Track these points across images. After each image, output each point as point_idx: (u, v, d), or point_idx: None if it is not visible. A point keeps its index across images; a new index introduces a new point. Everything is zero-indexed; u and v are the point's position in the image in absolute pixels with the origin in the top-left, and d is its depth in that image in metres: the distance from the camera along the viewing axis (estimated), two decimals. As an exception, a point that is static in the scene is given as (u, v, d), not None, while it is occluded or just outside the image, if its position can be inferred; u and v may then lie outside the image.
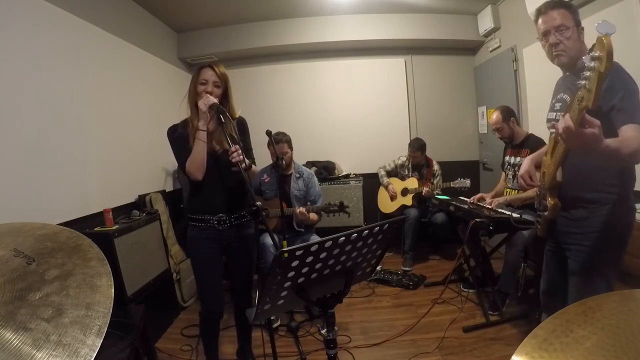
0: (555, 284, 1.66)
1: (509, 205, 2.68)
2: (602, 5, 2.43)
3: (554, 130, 1.31)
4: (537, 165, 1.62)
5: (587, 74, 1.03)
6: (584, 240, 1.43)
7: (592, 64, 1.01)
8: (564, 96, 1.50)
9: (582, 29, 1.42)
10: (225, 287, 1.94)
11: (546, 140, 1.67)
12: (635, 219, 1.97)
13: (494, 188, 3.01)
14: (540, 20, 1.47)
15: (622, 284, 2.06)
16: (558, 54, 1.41)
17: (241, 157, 1.57)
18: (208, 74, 1.70)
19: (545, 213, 1.52)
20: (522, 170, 1.59)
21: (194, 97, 1.71)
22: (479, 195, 2.87)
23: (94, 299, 0.74)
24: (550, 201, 1.48)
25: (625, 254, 1.96)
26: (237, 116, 1.83)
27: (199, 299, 1.90)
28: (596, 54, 0.99)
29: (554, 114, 1.53)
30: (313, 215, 2.74)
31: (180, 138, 1.72)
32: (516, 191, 2.76)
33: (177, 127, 1.77)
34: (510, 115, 2.74)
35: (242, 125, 1.87)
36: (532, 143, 2.66)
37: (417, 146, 3.66)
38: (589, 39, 1.39)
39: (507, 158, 2.88)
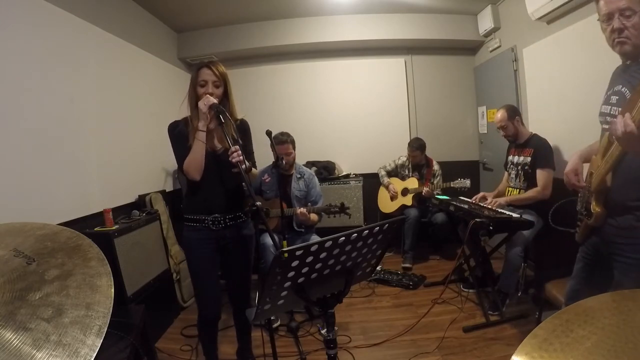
0: (580, 294, 1.50)
1: (510, 205, 2.68)
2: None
3: (607, 127, 1.17)
4: (586, 161, 1.46)
5: None
6: (631, 252, 1.28)
7: None
8: (623, 89, 1.30)
9: None
10: (223, 287, 1.94)
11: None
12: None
13: (497, 187, 3.02)
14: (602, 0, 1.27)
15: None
16: (621, 41, 1.23)
17: (241, 157, 1.57)
18: (207, 75, 1.69)
19: (588, 220, 1.38)
20: (569, 167, 1.43)
21: (193, 98, 1.71)
22: (480, 194, 2.87)
23: (94, 299, 0.74)
24: (595, 207, 1.34)
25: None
26: (237, 116, 1.82)
27: (196, 301, 1.89)
28: None
29: (609, 107, 1.34)
30: (313, 216, 2.74)
31: (180, 135, 1.71)
32: (518, 191, 2.76)
33: (179, 123, 1.76)
34: (515, 114, 2.74)
35: (244, 127, 1.87)
36: (535, 143, 2.67)
37: (417, 146, 3.67)
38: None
39: (510, 157, 2.88)
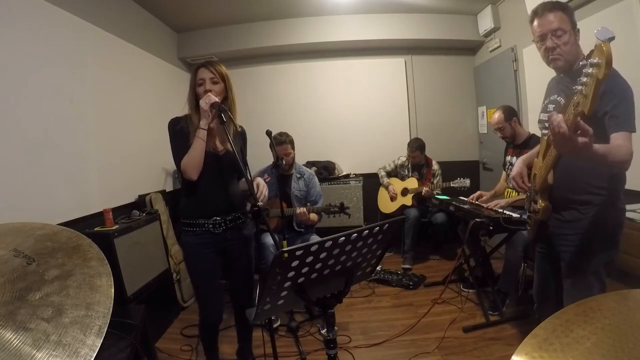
0: (546, 286, 1.66)
1: (510, 206, 2.67)
2: (602, 6, 2.43)
3: (546, 132, 1.31)
4: (529, 167, 1.62)
5: (585, 79, 1.03)
6: (575, 242, 1.43)
7: (591, 70, 1.01)
8: (558, 98, 1.49)
9: (578, 30, 1.41)
10: (225, 287, 1.94)
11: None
12: (635, 220, 1.98)
13: (494, 187, 3.01)
14: (536, 23, 1.45)
15: (622, 284, 2.06)
16: (555, 58, 1.40)
17: (265, 193, 1.67)
18: (203, 73, 1.68)
19: (536, 215, 1.52)
20: (514, 172, 1.58)
21: (193, 99, 1.70)
22: (477, 193, 2.87)
23: (94, 299, 0.74)
24: (541, 203, 1.48)
25: (624, 254, 1.97)
26: (237, 123, 1.79)
27: (198, 305, 1.87)
28: (595, 61, 1.00)
29: (547, 115, 1.50)
30: (313, 216, 2.74)
31: (181, 132, 1.69)
32: (516, 192, 2.76)
33: (180, 120, 1.73)
34: (512, 115, 2.74)
35: (243, 137, 1.87)
36: (533, 143, 2.65)
37: (416, 146, 3.66)
38: (586, 40, 1.39)
39: (508, 158, 2.88)
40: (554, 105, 1.51)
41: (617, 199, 1.41)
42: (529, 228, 1.63)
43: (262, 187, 1.70)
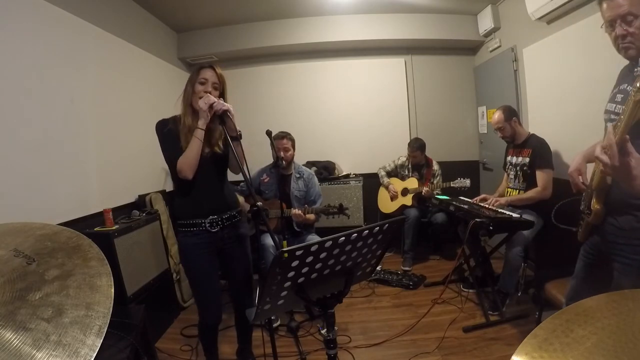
0: (581, 292, 1.51)
1: (510, 205, 2.68)
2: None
3: (612, 124, 1.15)
4: (590, 162, 1.45)
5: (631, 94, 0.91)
6: (631, 253, 1.27)
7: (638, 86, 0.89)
8: (628, 87, 1.30)
9: None
10: (224, 287, 1.93)
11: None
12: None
13: (497, 189, 3.01)
14: (604, 6, 1.27)
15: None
16: (626, 46, 1.24)
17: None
18: (208, 74, 1.68)
19: (589, 217, 1.39)
20: (572, 167, 1.43)
21: (190, 96, 1.69)
22: (481, 196, 2.86)
23: (94, 299, 0.74)
24: (595, 205, 1.34)
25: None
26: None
27: (197, 306, 1.87)
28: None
29: (614, 105, 1.34)
30: (310, 216, 2.74)
31: (170, 134, 1.69)
32: (517, 192, 2.76)
33: (168, 122, 1.72)
34: (512, 115, 2.74)
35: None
36: (534, 143, 2.66)
37: (417, 146, 3.66)
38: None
39: (508, 158, 2.88)
40: (622, 95, 1.32)
41: None
42: (579, 229, 1.48)
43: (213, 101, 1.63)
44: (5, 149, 1.80)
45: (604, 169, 1.03)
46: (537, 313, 2.17)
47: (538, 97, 3.16)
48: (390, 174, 3.93)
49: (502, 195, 2.88)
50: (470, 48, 4.35)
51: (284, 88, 4.34)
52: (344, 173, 4.25)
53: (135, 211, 2.64)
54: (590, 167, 1.46)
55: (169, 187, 3.44)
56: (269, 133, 2.24)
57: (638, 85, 0.95)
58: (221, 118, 1.62)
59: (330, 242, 0.96)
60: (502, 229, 2.53)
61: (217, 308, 1.84)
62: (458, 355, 2.12)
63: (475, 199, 2.84)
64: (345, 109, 4.31)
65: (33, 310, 0.69)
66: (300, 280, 1.00)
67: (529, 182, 2.67)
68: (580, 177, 1.41)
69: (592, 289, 1.36)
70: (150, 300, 2.42)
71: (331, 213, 2.67)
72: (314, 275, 1.02)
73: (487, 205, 2.66)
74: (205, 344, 1.94)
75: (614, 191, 1.30)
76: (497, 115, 2.76)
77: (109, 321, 0.70)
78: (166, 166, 1.74)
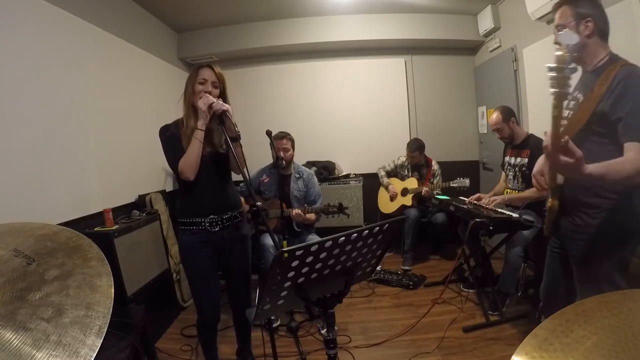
0: (554, 286, 1.64)
1: (509, 205, 2.68)
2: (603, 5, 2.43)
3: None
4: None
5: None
6: (584, 247, 1.39)
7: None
8: (578, 95, 1.43)
9: (588, 20, 1.32)
10: (223, 287, 1.93)
11: None
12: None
13: (493, 189, 3.01)
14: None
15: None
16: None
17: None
18: (207, 74, 1.68)
19: (548, 214, 1.50)
20: (535, 169, 1.53)
21: (190, 96, 1.70)
22: (476, 195, 2.87)
23: (94, 299, 0.74)
24: (550, 202, 1.46)
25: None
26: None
27: (195, 305, 1.88)
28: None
29: (567, 112, 1.45)
30: (310, 215, 2.74)
31: (172, 138, 1.70)
32: (516, 192, 2.76)
33: (169, 127, 1.75)
34: (510, 115, 2.73)
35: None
36: (532, 143, 2.66)
37: (415, 147, 3.66)
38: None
39: (507, 158, 2.88)
40: (574, 102, 1.44)
41: (632, 203, 1.33)
42: (544, 226, 1.57)
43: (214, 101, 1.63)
44: (5, 149, 1.80)
45: (551, 167, 1.17)
46: (537, 313, 2.17)
47: (538, 97, 3.16)
48: (390, 174, 3.93)
49: (498, 194, 2.88)
50: (470, 48, 4.35)
51: (284, 88, 4.34)
52: (344, 173, 4.25)
53: (135, 211, 2.64)
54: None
55: (169, 187, 3.44)
56: (268, 133, 2.24)
57: (553, 102, 1.02)
58: (220, 118, 1.62)
59: (330, 242, 0.96)
60: (502, 229, 2.53)
61: (215, 306, 1.84)
62: (458, 355, 2.12)
63: (471, 198, 2.85)
64: (345, 109, 4.31)
65: (33, 310, 0.69)
66: (300, 280, 1.00)
67: (528, 183, 2.66)
68: (542, 177, 1.49)
69: (564, 283, 1.54)
70: (150, 300, 2.42)
71: (331, 212, 2.67)
72: (314, 275, 1.02)
73: (484, 205, 2.66)
74: (204, 343, 1.94)
75: (567, 190, 1.41)
76: (494, 116, 2.76)
77: (109, 321, 0.70)
78: (166, 166, 1.75)
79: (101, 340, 0.67)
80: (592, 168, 1.08)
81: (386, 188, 3.85)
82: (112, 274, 0.82)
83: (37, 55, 2.04)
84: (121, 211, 2.61)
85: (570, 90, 1.02)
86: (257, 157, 2.96)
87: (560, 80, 0.96)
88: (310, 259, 0.95)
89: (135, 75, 3.06)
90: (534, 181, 1.53)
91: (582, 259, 1.41)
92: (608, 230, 1.34)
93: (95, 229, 2.27)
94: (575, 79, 1.38)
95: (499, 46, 3.76)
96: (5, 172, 1.79)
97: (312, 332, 2.46)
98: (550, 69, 0.97)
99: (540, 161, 1.54)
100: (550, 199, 1.46)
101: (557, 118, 1.04)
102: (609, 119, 1.25)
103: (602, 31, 1.35)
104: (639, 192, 1.33)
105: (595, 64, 1.35)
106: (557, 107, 1.02)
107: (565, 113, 1.44)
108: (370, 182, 4.07)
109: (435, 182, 3.61)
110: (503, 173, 2.95)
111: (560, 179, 1.40)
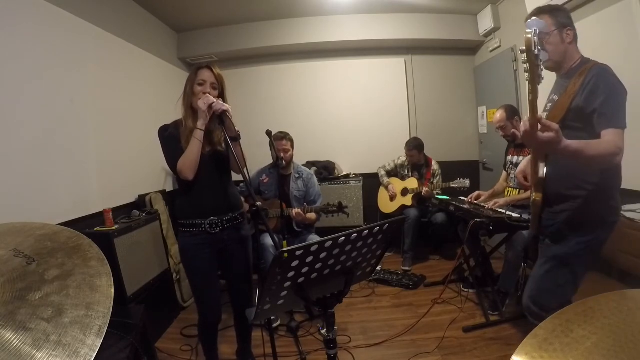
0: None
1: (509, 205, 2.68)
2: (602, 6, 2.43)
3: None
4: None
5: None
6: (559, 228, 1.49)
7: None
8: (554, 97, 1.55)
9: (569, 29, 1.45)
10: (223, 287, 1.93)
11: None
12: (635, 219, 1.98)
13: (493, 187, 3.01)
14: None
15: (622, 284, 2.06)
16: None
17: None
18: (206, 75, 1.69)
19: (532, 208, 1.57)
20: (518, 169, 1.64)
21: (190, 97, 1.70)
22: (475, 193, 2.87)
23: (94, 298, 0.74)
24: (534, 197, 1.53)
25: (624, 254, 1.99)
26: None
27: (197, 305, 1.88)
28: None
29: (545, 114, 1.55)
30: (311, 215, 2.74)
31: (170, 137, 1.70)
32: (518, 191, 2.76)
33: (168, 127, 1.74)
34: (514, 114, 2.74)
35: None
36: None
37: (413, 145, 3.66)
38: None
39: (509, 157, 2.88)
40: (550, 104, 1.55)
41: (608, 196, 1.44)
42: (530, 224, 1.66)
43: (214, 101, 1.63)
44: (5, 149, 1.80)
45: (534, 150, 1.34)
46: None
47: (538, 97, 3.15)
48: (390, 174, 3.93)
49: (497, 193, 2.88)
50: (470, 48, 4.35)
51: (284, 88, 4.34)
52: (344, 173, 4.25)
53: (135, 211, 2.64)
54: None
55: (169, 187, 3.44)
56: (268, 133, 2.24)
57: (528, 87, 1.18)
58: (220, 118, 1.62)
59: (330, 242, 0.96)
60: (502, 229, 2.53)
61: (216, 307, 1.84)
62: (458, 355, 2.12)
63: (470, 196, 2.85)
64: (345, 109, 4.31)
65: (33, 310, 0.69)
66: (300, 280, 1.00)
67: (529, 182, 2.67)
68: (524, 178, 1.60)
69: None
70: (150, 300, 2.42)
71: (330, 212, 2.67)
72: (314, 275, 1.02)
73: (486, 206, 2.66)
74: (205, 344, 1.94)
75: (550, 185, 1.49)
76: (499, 114, 2.76)
77: (109, 321, 0.70)
78: (166, 166, 1.74)
79: (101, 340, 0.67)
80: (570, 142, 1.20)
81: (386, 188, 3.85)
82: (112, 274, 0.82)
83: (37, 55, 2.04)
84: (121, 211, 2.61)
85: (542, 74, 1.16)
86: (257, 157, 2.96)
87: (531, 64, 1.10)
88: (310, 259, 0.95)
89: (135, 75, 3.06)
90: (517, 180, 1.64)
91: (553, 234, 1.52)
92: (579, 217, 1.45)
93: (95, 229, 2.27)
94: (550, 82, 1.51)
95: (499, 46, 3.76)
96: (5, 172, 1.79)
97: (312, 332, 2.46)
98: (522, 51, 1.11)
99: (524, 162, 1.66)
100: (534, 194, 1.53)
101: (533, 102, 1.17)
102: (585, 112, 1.35)
103: (577, 38, 1.48)
104: (615, 184, 1.46)
105: (569, 67, 1.48)
106: (532, 92, 1.16)
107: (544, 115, 1.53)
108: (370, 182, 4.07)
109: (435, 182, 3.61)
110: (504, 172, 2.95)
111: (542, 172, 1.47)
